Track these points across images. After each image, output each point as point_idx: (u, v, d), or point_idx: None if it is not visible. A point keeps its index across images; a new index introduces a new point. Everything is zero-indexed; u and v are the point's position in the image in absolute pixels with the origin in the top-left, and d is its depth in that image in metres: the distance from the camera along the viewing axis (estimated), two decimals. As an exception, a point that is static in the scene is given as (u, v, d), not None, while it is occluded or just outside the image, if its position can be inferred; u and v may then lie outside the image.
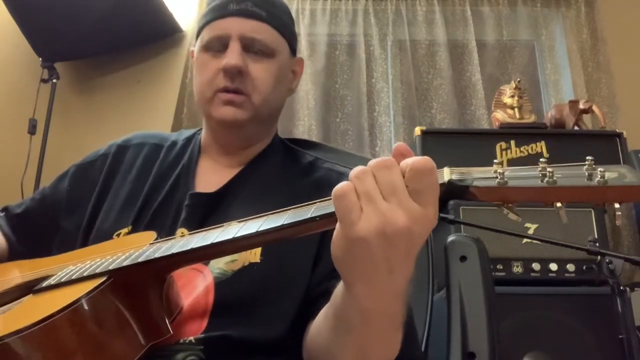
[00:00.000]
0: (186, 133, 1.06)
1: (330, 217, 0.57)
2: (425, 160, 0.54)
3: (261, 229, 0.63)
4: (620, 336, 1.43)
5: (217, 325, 0.76)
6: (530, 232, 1.90)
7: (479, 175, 0.56)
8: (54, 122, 2.35)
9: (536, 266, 1.87)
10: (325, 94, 2.67)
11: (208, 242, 0.66)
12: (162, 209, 0.91)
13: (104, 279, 0.67)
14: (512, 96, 2.31)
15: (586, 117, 2.31)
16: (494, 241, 1.78)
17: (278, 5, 1.00)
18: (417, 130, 2.11)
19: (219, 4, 0.96)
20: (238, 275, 0.80)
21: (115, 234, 0.89)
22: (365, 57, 2.67)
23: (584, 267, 1.86)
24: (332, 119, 2.65)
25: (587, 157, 0.53)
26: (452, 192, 0.56)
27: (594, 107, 2.22)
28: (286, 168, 0.97)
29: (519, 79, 2.36)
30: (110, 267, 0.69)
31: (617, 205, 0.53)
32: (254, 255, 0.82)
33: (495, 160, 0.56)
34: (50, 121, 2.34)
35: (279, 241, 0.65)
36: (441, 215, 1.59)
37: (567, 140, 2.06)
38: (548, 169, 0.53)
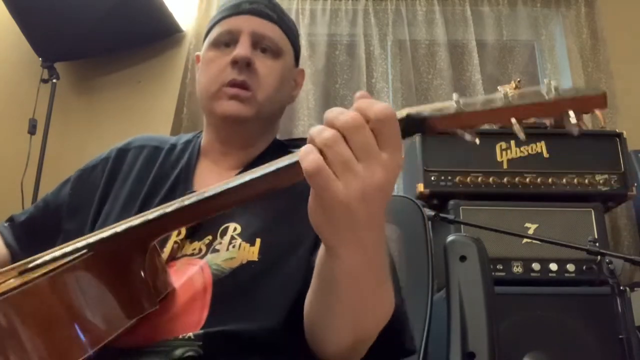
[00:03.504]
0: (185, 137, 1.07)
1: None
2: (387, 107, 0.54)
3: (234, 184, 0.64)
4: (620, 336, 1.43)
5: (215, 321, 0.77)
6: (530, 232, 1.90)
7: (437, 107, 0.58)
8: (54, 122, 2.35)
9: (536, 266, 1.87)
10: (325, 94, 2.67)
11: (185, 204, 0.67)
12: None
13: (84, 251, 0.68)
14: (512, 96, 2.31)
15: (586, 117, 2.29)
16: (494, 241, 1.79)
17: (287, 15, 1.04)
18: (417, 130, 2.11)
19: (231, 5, 0.99)
20: (236, 273, 0.81)
21: None
22: (365, 57, 2.67)
23: (584, 267, 1.86)
24: (332, 119, 2.65)
25: (545, 80, 0.57)
26: (411, 127, 0.57)
27: (594, 107, 2.22)
28: None
29: (519, 79, 2.34)
30: (91, 241, 0.70)
31: (571, 115, 0.57)
32: (252, 254, 0.83)
33: (454, 94, 0.58)
34: (50, 121, 2.34)
35: (254, 198, 0.65)
36: (441, 215, 1.59)
37: (567, 140, 2.06)
38: (503, 92, 0.57)
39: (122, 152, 1.04)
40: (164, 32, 2.60)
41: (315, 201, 0.56)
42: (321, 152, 0.54)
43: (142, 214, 0.72)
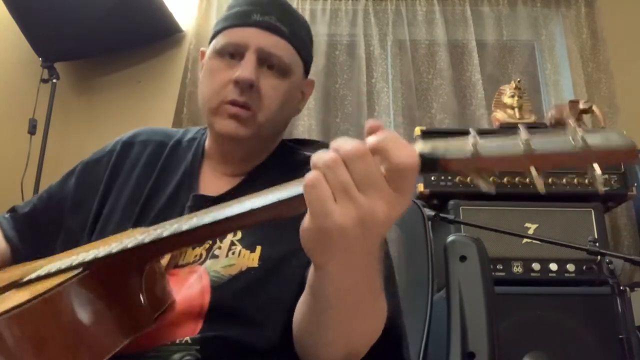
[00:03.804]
0: (190, 133, 1.04)
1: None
2: (410, 157, 0.51)
3: (235, 212, 0.61)
4: (620, 336, 1.43)
5: (212, 327, 0.76)
6: (530, 232, 1.90)
7: (452, 147, 0.52)
8: (54, 122, 2.35)
9: (536, 266, 1.87)
10: (325, 94, 2.67)
11: (182, 229, 0.65)
12: (165, 211, 0.90)
13: (79, 270, 0.67)
14: (512, 96, 2.31)
15: (586, 117, 2.30)
16: (494, 241, 1.78)
17: (301, 22, 0.98)
18: (417, 130, 2.11)
19: (240, 12, 0.93)
20: (235, 279, 0.80)
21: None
22: (365, 57, 2.67)
23: (584, 267, 1.86)
24: (332, 119, 2.65)
25: (570, 122, 0.50)
26: (423, 166, 0.53)
27: (594, 107, 2.22)
28: (287, 177, 0.97)
29: (519, 79, 2.35)
30: (87, 259, 0.68)
31: (597, 169, 0.49)
32: (252, 260, 0.82)
33: (471, 129, 0.53)
34: (50, 121, 2.34)
35: (255, 225, 0.64)
36: (441, 215, 1.59)
37: (567, 140, 2.05)
38: (524, 137, 0.50)
39: (126, 146, 1.01)
40: (164, 32, 2.60)
41: (311, 221, 0.54)
42: (323, 175, 0.52)
43: (140, 231, 0.70)
